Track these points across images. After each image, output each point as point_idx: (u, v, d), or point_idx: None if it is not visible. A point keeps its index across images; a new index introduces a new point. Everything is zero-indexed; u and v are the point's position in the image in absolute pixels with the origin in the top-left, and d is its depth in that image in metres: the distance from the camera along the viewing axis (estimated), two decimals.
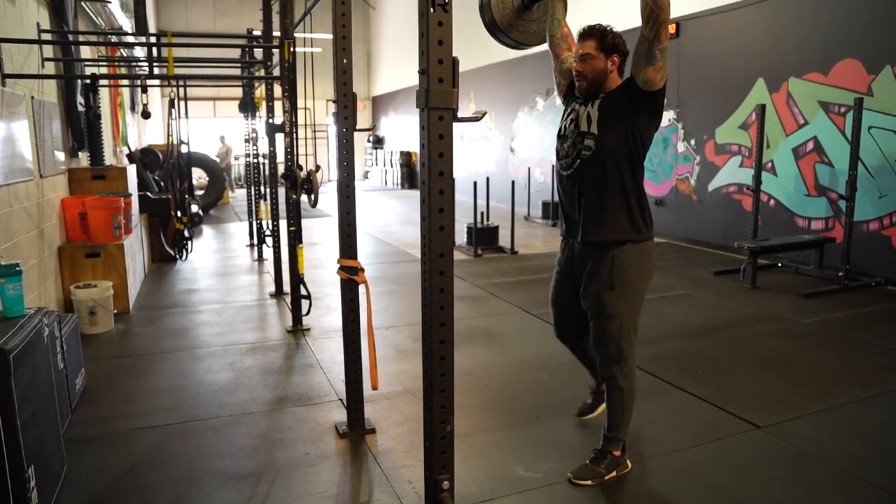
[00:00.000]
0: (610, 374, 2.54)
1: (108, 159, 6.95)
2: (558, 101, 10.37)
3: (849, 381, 3.61)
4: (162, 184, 8.28)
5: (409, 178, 17.48)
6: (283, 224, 5.10)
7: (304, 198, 3.90)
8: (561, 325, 2.82)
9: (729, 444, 2.86)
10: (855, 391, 3.43)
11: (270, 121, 5.59)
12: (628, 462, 2.62)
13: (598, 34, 2.42)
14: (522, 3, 2.85)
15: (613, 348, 2.52)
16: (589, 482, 2.51)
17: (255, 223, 7.97)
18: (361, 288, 2.83)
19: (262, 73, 6.34)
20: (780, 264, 6.47)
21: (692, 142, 7.99)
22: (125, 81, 8.85)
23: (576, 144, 2.46)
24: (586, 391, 3.13)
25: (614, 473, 2.56)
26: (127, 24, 9.04)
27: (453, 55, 1.81)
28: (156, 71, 5.20)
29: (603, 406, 2.99)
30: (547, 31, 2.77)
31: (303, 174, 3.76)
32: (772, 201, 6.93)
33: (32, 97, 4.42)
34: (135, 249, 5.73)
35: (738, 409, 3.19)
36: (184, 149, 8.24)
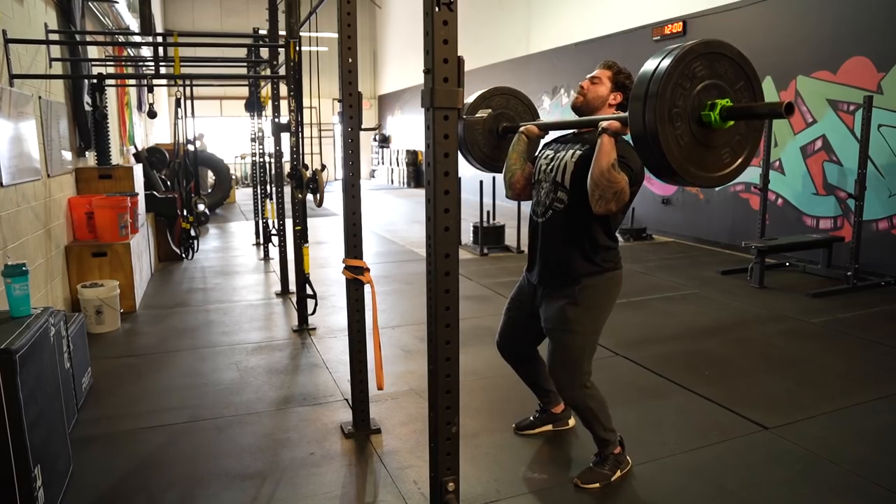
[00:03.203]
0: (576, 397, 2.47)
1: (115, 159, 6.96)
2: (564, 99, 10.39)
3: (857, 382, 3.58)
4: (168, 183, 8.30)
5: (415, 176, 17.49)
6: (288, 223, 5.11)
7: (309, 197, 3.90)
8: (506, 336, 2.77)
9: (736, 445, 2.84)
10: (863, 392, 3.41)
11: (276, 120, 5.59)
12: (628, 458, 2.61)
13: (615, 68, 2.48)
14: (498, 135, 2.88)
15: (575, 369, 2.44)
16: (596, 485, 2.49)
17: (260, 222, 7.98)
18: (367, 287, 2.83)
19: (268, 72, 6.35)
20: (787, 264, 6.43)
21: None
22: (132, 81, 8.87)
23: (549, 194, 2.45)
24: None
25: (619, 473, 2.55)
26: (134, 23, 9.07)
27: (458, 54, 1.80)
28: (162, 70, 5.22)
29: (547, 428, 2.97)
30: (507, 161, 2.65)
31: (308, 173, 3.76)
32: (779, 200, 6.89)
33: (40, 97, 4.43)
34: (141, 248, 5.74)
35: (745, 409, 3.16)
36: (190, 148, 8.26)
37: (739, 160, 1.95)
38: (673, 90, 1.80)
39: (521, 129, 2.64)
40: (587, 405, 2.48)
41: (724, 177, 1.96)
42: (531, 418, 2.99)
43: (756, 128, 1.98)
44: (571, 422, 3.00)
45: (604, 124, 2.20)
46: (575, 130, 2.56)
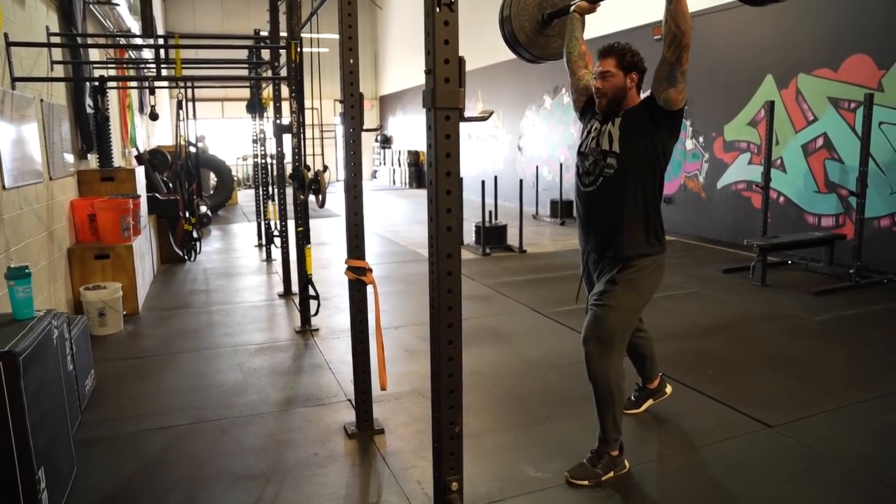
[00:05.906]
0: (605, 370, 2.49)
1: (117, 161, 6.97)
2: (566, 98, 10.36)
3: (860, 380, 3.58)
4: (170, 185, 8.31)
5: (417, 177, 17.48)
6: (291, 224, 5.11)
7: (311, 198, 3.90)
8: None
9: (739, 443, 2.84)
10: (866, 389, 3.40)
11: (278, 121, 5.60)
12: (626, 462, 2.60)
13: (617, 52, 2.46)
14: (542, 19, 2.90)
15: (606, 343, 2.48)
16: (586, 482, 2.49)
17: (263, 224, 7.99)
18: (370, 288, 2.83)
19: (270, 73, 6.35)
20: (790, 262, 6.42)
21: (700, 139, 7.95)
22: (133, 83, 8.88)
23: (598, 162, 2.50)
24: None
25: (612, 474, 2.53)
26: (135, 26, 9.08)
27: (459, 54, 1.81)
28: (163, 72, 5.23)
29: (648, 403, 3.10)
30: (564, 47, 2.83)
31: (310, 174, 3.77)
32: (781, 198, 6.88)
33: (42, 100, 4.44)
34: (143, 251, 5.75)
35: (748, 408, 3.16)
36: (192, 149, 8.27)
37: None
38: None
39: (573, 7, 2.75)
40: (609, 383, 2.49)
41: None
42: (632, 398, 3.10)
43: None
44: (668, 389, 3.12)
45: None
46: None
